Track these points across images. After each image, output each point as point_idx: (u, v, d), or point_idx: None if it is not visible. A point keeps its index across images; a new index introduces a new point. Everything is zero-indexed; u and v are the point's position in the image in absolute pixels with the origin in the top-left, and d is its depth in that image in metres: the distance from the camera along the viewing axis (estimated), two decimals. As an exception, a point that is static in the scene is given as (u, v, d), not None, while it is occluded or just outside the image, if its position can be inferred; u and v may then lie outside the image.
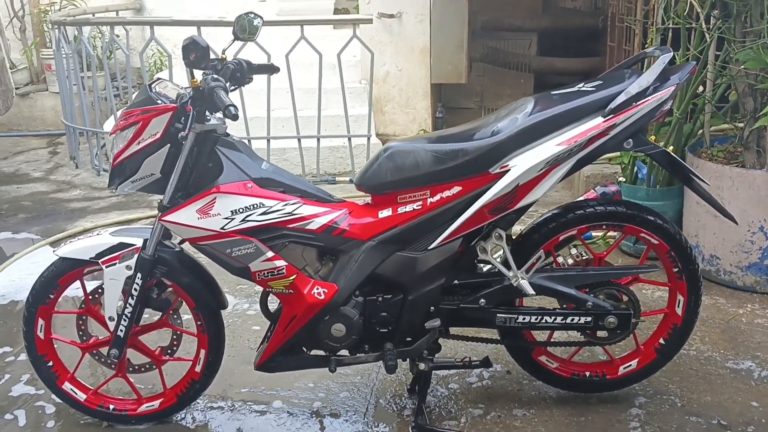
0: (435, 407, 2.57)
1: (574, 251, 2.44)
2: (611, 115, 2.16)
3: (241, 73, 2.29)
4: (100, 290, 2.37)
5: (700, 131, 3.63)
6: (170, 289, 2.39)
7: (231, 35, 2.34)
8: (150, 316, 2.47)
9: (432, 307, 2.30)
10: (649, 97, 2.17)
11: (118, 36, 5.31)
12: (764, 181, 3.19)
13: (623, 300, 2.40)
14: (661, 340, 2.51)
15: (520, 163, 2.17)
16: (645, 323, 2.80)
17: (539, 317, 2.35)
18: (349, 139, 5.11)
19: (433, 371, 2.71)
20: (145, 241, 2.28)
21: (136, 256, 2.26)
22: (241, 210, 2.17)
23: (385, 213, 2.25)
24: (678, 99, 3.51)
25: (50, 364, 2.44)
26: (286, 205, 2.21)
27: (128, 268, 2.26)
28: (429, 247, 2.25)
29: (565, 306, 2.40)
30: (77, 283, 2.40)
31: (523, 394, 2.63)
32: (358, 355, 2.35)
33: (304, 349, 2.37)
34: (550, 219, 2.37)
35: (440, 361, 2.42)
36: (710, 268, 3.43)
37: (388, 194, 2.25)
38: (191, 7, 6.66)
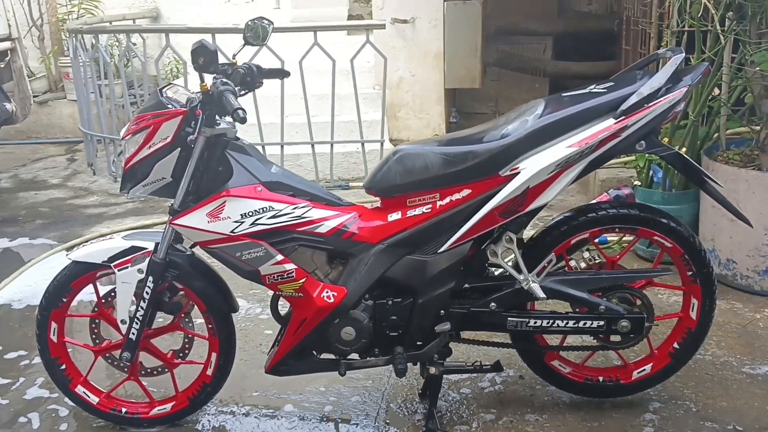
0: (446, 412, 2.55)
1: (586, 255, 2.43)
2: (623, 117, 2.15)
3: (252, 78, 2.29)
4: (112, 294, 2.38)
5: (716, 135, 3.59)
6: (182, 292, 2.40)
7: (243, 41, 2.34)
8: (163, 320, 2.49)
9: (442, 311, 2.29)
10: (661, 99, 2.15)
11: (135, 44, 5.36)
12: (781, 184, 3.16)
13: (636, 304, 2.38)
14: (676, 345, 2.48)
15: (531, 166, 2.16)
16: (659, 328, 2.77)
17: (551, 321, 2.33)
18: (363, 144, 5.11)
19: (445, 376, 2.70)
20: (157, 244, 2.29)
21: (147, 259, 2.27)
22: (250, 213, 2.18)
23: (394, 216, 2.25)
24: (693, 101, 3.49)
25: (63, 367, 2.45)
26: (295, 208, 2.21)
27: (140, 271, 2.27)
28: (439, 251, 2.25)
29: (577, 310, 2.38)
30: (91, 287, 2.41)
31: (536, 399, 2.61)
32: (368, 358, 2.35)
33: (314, 352, 2.37)
34: (561, 222, 2.35)
35: (451, 365, 2.41)
36: (726, 273, 3.39)
37: (397, 197, 2.25)
38: (207, 15, 6.71)
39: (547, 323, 2.32)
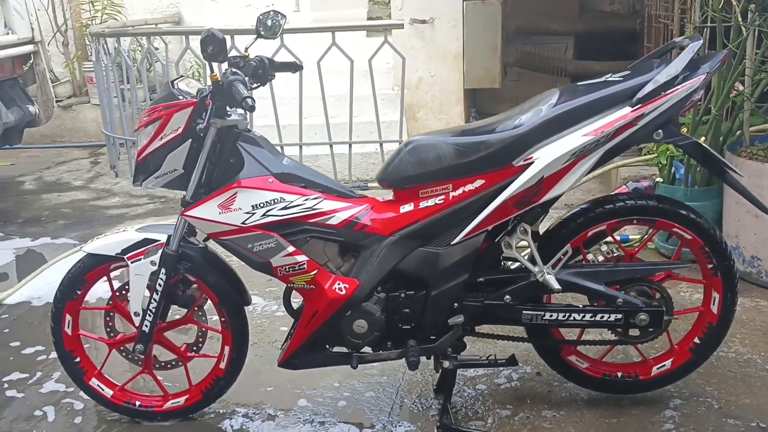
0: (461, 407, 2.52)
1: (604, 248, 2.38)
2: (639, 105, 2.11)
3: (264, 70, 2.28)
4: (126, 287, 2.38)
5: (739, 132, 3.52)
6: (195, 285, 2.39)
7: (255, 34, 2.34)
8: (176, 314, 2.48)
9: (455, 304, 2.26)
10: (679, 87, 2.11)
11: (157, 49, 5.41)
12: (806, 179, 3.08)
13: (655, 297, 2.32)
14: (696, 340, 2.42)
15: (545, 155, 2.12)
16: (679, 323, 2.72)
17: (567, 314, 2.29)
18: (381, 144, 5.10)
19: (462, 373, 2.68)
20: (169, 237, 2.29)
21: (160, 251, 2.27)
22: (261, 205, 2.17)
23: (406, 208, 2.22)
24: (715, 96, 3.42)
25: (77, 360, 2.46)
26: (306, 200, 2.20)
27: (152, 263, 2.28)
28: (452, 243, 2.22)
29: (594, 303, 2.33)
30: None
31: (553, 396, 2.57)
32: (380, 352, 2.32)
33: (327, 346, 2.35)
34: (578, 214, 2.31)
35: (465, 358, 2.37)
36: (751, 270, 3.31)
37: (410, 189, 2.23)
38: (228, 18, 6.76)
39: (564, 316, 2.28)
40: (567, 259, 2.27)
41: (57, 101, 6.74)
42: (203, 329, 2.45)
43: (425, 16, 5.50)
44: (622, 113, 2.11)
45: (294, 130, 5.05)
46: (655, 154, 3.82)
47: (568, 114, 2.13)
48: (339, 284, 2.22)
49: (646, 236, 3.22)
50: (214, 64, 2.13)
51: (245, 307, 2.43)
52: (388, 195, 2.34)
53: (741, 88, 3.48)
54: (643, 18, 5.47)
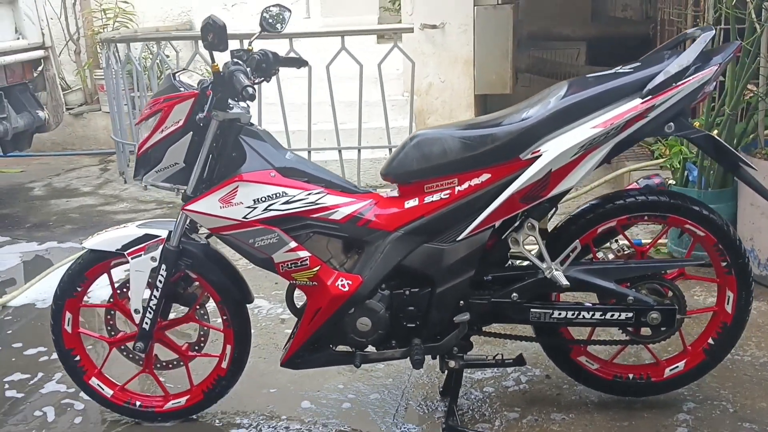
0: (468, 410, 2.45)
1: (614, 246, 2.32)
2: (650, 96, 2.05)
3: (267, 64, 2.25)
4: (128, 285, 2.35)
5: (753, 134, 3.44)
6: (196, 283, 2.35)
7: (258, 27, 2.31)
8: (178, 314, 2.45)
9: (461, 301, 2.21)
10: (690, 77, 2.06)
11: (168, 56, 5.41)
12: (823, 179, 3.00)
13: (668, 295, 2.26)
14: (710, 341, 2.35)
15: (553, 148, 2.07)
16: (692, 326, 2.65)
17: (576, 313, 2.22)
18: (390, 150, 5.05)
19: (468, 375, 2.62)
20: (170, 232, 2.25)
21: (160, 247, 2.24)
22: (263, 199, 2.13)
23: (411, 203, 2.18)
24: (728, 96, 3.36)
25: (77, 358, 2.42)
26: (309, 194, 2.16)
27: (153, 259, 2.24)
28: (458, 238, 2.16)
29: (604, 301, 2.27)
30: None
31: (563, 399, 2.50)
32: (384, 351, 2.27)
33: (330, 345, 2.30)
34: (587, 210, 2.25)
35: (471, 358, 2.31)
36: (767, 273, 3.23)
37: (414, 183, 2.18)
38: (238, 26, 6.75)
39: (573, 315, 2.22)
40: (576, 257, 2.21)
41: (68, 109, 6.78)
42: (205, 328, 2.40)
43: (436, 21, 5.47)
44: (633, 105, 2.06)
45: (303, 135, 5.03)
46: (668, 157, 3.76)
47: (577, 105, 2.08)
48: (342, 280, 2.17)
49: (661, 247, 3.17)
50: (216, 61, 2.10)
51: (247, 306, 2.39)
52: (393, 193, 2.29)
53: (754, 89, 3.41)
54: (656, 23, 5.42)
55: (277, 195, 2.13)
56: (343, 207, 2.17)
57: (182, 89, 2.12)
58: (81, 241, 2.35)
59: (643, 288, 2.25)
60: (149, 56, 5.92)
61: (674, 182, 3.65)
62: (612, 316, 2.22)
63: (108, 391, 2.44)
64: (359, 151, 5.03)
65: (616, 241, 2.34)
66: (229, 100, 2.11)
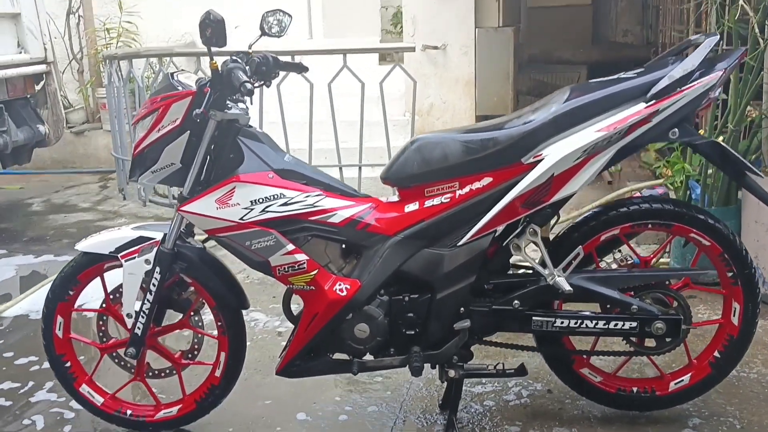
0: (468, 423, 2.39)
1: (618, 255, 2.28)
2: (654, 101, 2.03)
3: (267, 67, 2.23)
4: (121, 290, 2.30)
5: (757, 153, 3.41)
6: (191, 288, 2.31)
7: (258, 31, 2.29)
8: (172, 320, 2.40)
9: (462, 308, 2.16)
10: (695, 82, 2.03)
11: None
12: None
13: (672, 305, 2.21)
14: (716, 353, 2.30)
15: (555, 152, 2.04)
16: (697, 343, 2.59)
17: (579, 321, 2.17)
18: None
19: (469, 389, 2.57)
20: (165, 235, 2.21)
21: (155, 249, 2.19)
22: (261, 200, 2.09)
23: (411, 207, 2.14)
24: (731, 112, 3.33)
25: (68, 364, 2.36)
26: (308, 196, 2.12)
27: (147, 262, 2.19)
28: (458, 243, 2.12)
29: (608, 308, 2.22)
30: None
31: (565, 413, 2.44)
32: (382, 359, 2.21)
33: (327, 352, 2.24)
34: (590, 218, 2.22)
35: (472, 368, 2.25)
36: (772, 291, 3.18)
37: (415, 187, 2.14)
38: (241, 46, 6.79)
39: (575, 323, 2.17)
40: (579, 265, 2.16)
41: (69, 127, 6.78)
42: (199, 335, 2.35)
43: (437, 42, 5.49)
44: (636, 109, 2.03)
45: (304, 154, 5.00)
46: (670, 176, 3.73)
47: (580, 109, 2.05)
48: (340, 285, 2.12)
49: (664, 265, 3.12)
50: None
51: (242, 312, 2.34)
52: (393, 198, 2.26)
53: (756, 111, 3.39)
54: (657, 47, 5.43)
55: (275, 196, 2.10)
56: (341, 210, 2.13)
57: (180, 88, 2.10)
58: (76, 246, 2.30)
59: (647, 297, 2.20)
60: (152, 75, 5.94)
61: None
62: (616, 325, 2.17)
63: (99, 399, 2.38)
64: (360, 168, 5.00)
65: (620, 251, 2.30)
66: (228, 102, 2.09)
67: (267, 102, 4.71)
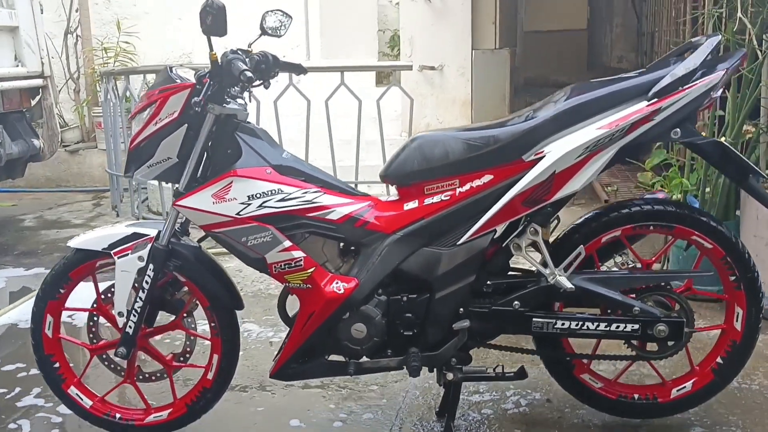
0: (465, 431, 2.33)
1: (619, 259, 2.25)
2: (656, 99, 2.02)
3: (267, 66, 2.21)
4: (113, 289, 2.25)
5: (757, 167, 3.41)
6: (185, 288, 2.26)
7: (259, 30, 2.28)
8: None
9: (461, 309, 2.12)
10: (697, 81, 2.02)
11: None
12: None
13: (675, 308, 2.17)
14: (719, 360, 2.25)
15: (557, 149, 2.02)
16: (699, 352, 2.55)
17: (580, 323, 2.13)
18: (388, 186, 5.00)
19: (466, 398, 2.51)
20: (160, 232, 2.17)
21: (149, 246, 2.15)
22: (258, 195, 2.06)
23: (411, 205, 2.11)
24: (729, 126, 3.34)
25: (57, 365, 2.30)
26: (306, 192, 2.09)
27: (140, 259, 2.15)
28: (458, 242, 2.09)
29: (609, 312, 2.18)
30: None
31: (564, 422, 2.39)
32: (379, 360, 2.16)
33: (323, 354, 2.19)
34: (591, 219, 2.19)
35: (470, 370, 2.19)
36: (772, 305, 3.14)
37: (414, 185, 2.12)
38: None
39: (576, 325, 2.13)
40: (580, 265, 2.13)
41: (64, 146, 6.76)
42: (192, 337, 2.30)
43: (434, 63, 5.52)
44: (638, 107, 2.02)
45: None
46: (667, 192, 3.72)
47: (582, 107, 2.04)
48: (337, 283, 2.08)
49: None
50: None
51: (236, 313, 2.29)
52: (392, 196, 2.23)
53: (753, 129, 3.39)
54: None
55: (273, 192, 2.07)
56: (340, 207, 2.10)
57: (178, 80, 2.08)
58: (68, 242, 2.26)
59: (649, 300, 2.16)
60: (148, 93, 5.95)
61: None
62: (617, 327, 2.12)
63: (87, 402, 2.31)
64: (356, 186, 4.97)
65: (621, 254, 2.27)
66: (227, 97, 2.07)
67: (263, 118, 4.70)
